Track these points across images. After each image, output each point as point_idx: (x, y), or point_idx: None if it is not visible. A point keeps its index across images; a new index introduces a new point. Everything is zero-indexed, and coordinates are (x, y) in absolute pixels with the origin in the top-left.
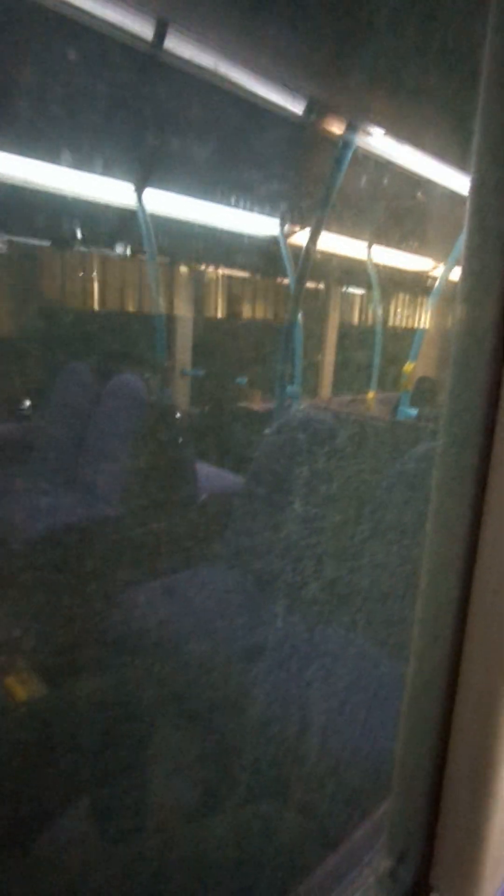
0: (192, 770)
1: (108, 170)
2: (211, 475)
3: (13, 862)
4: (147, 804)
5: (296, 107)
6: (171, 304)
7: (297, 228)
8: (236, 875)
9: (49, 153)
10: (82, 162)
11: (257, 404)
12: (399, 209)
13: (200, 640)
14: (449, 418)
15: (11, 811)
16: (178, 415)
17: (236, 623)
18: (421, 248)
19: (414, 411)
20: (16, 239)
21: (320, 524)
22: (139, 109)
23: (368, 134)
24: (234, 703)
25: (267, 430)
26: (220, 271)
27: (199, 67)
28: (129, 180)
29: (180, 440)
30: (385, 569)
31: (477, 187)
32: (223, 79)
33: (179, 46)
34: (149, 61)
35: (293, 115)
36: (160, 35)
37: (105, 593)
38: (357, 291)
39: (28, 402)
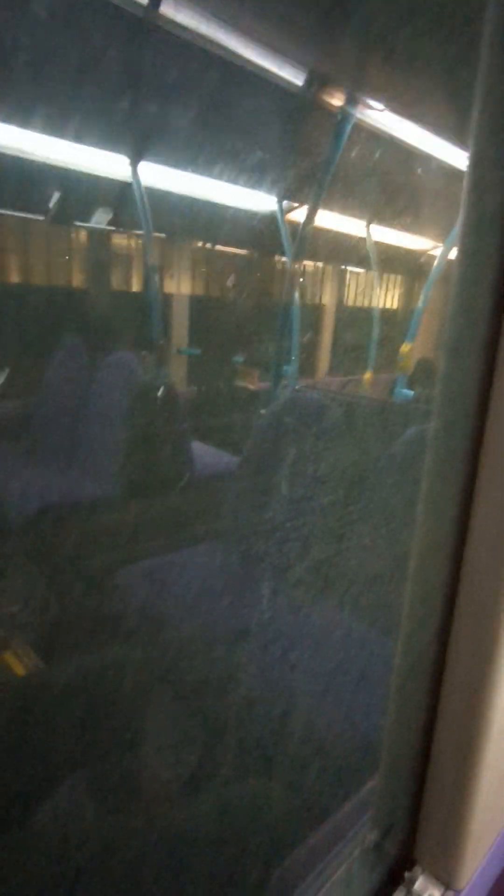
0: (182, 746)
1: (102, 141)
2: (206, 454)
3: (8, 834)
4: (138, 779)
5: (296, 78)
6: (166, 280)
7: (295, 205)
8: (224, 849)
9: (41, 123)
10: (76, 133)
11: (253, 383)
12: (399, 186)
13: (192, 618)
14: (442, 400)
15: (7, 784)
16: (174, 393)
17: (228, 602)
18: (421, 227)
19: (411, 393)
20: (6, 212)
21: (315, 504)
22: (133, 79)
23: (369, 108)
24: (225, 681)
25: (262, 410)
26: (217, 248)
27: (196, 34)
28: (124, 153)
29: (175, 419)
30: (377, 549)
31: (475, 163)
32: (221, 47)
33: (176, 12)
34: (144, 26)
35: (293, 86)
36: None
37: (99, 572)
38: (355, 270)
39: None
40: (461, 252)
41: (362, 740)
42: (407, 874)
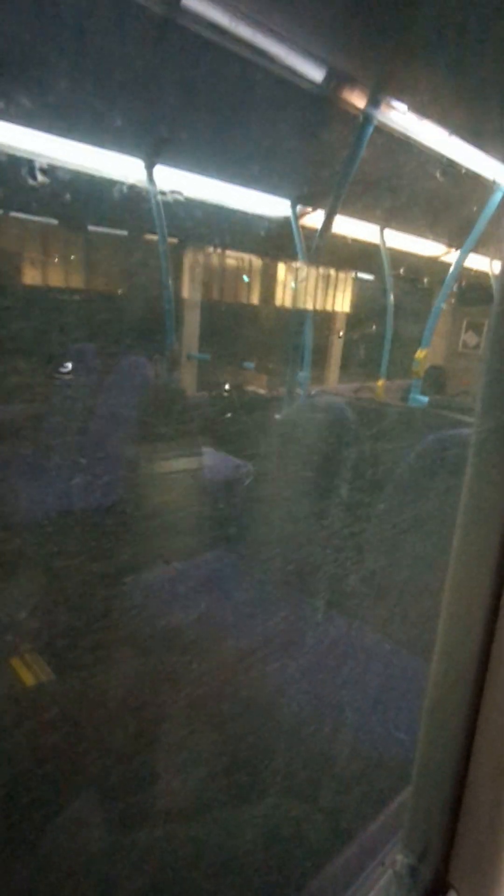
0: (204, 763)
1: (115, 144)
2: (214, 459)
3: (17, 847)
4: (161, 797)
5: (315, 75)
6: (179, 286)
7: (309, 210)
8: (247, 870)
9: (52, 123)
10: (89, 135)
11: (264, 389)
12: (414, 191)
13: (210, 629)
14: (487, 402)
15: (16, 797)
16: (185, 397)
17: (248, 612)
18: (435, 233)
19: (425, 399)
20: (21, 216)
21: (333, 512)
22: (145, 77)
23: (391, 108)
24: (247, 695)
25: (277, 416)
26: (231, 253)
27: (212, 27)
28: (138, 156)
29: (187, 423)
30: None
31: None
32: (239, 42)
33: (192, 5)
34: (154, 21)
35: (312, 84)
36: None
37: (110, 578)
38: (369, 276)
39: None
40: None
41: (393, 759)
42: None
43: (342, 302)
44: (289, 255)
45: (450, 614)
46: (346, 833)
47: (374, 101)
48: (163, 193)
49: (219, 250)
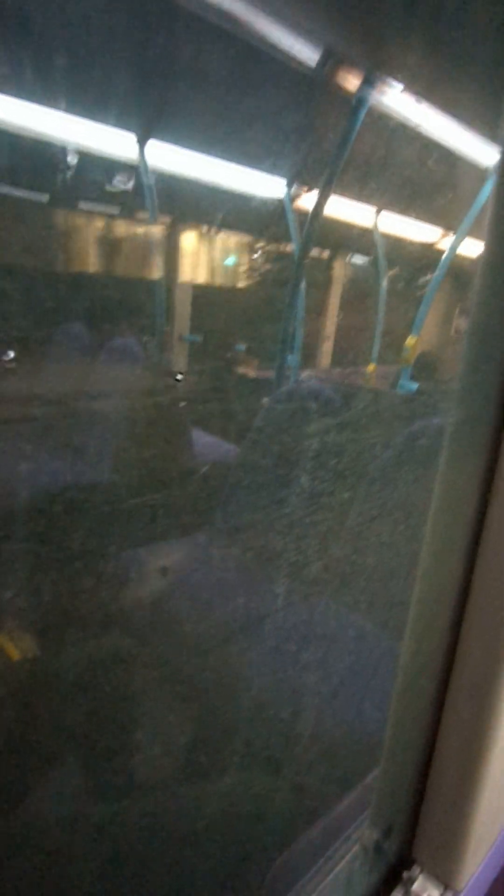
0: (178, 740)
1: (107, 117)
2: (206, 443)
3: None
4: (133, 771)
5: (310, 55)
6: (171, 266)
7: (304, 191)
8: (219, 845)
9: (44, 97)
10: (81, 109)
11: (254, 372)
12: (409, 175)
13: (190, 610)
14: (464, 391)
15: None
16: (179, 377)
17: (227, 595)
18: (431, 218)
19: (414, 385)
20: (8, 191)
21: (317, 498)
22: (138, 52)
23: (387, 89)
24: (223, 676)
25: (265, 399)
26: (222, 233)
27: (206, 4)
28: (130, 130)
29: (177, 406)
30: (382, 544)
31: None
32: (232, 20)
33: None
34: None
35: (307, 65)
36: None
37: (95, 563)
38: (362, 260)
39: (12, 354)
40: (489, 242)
41: (361, 738)
42: (405, 874)
43: (335, 286)
44: (282, 236)
45: (420, 599)
46: (315, 811)
47: (369, 82)
48: (155, 171)
49: (212, 230)
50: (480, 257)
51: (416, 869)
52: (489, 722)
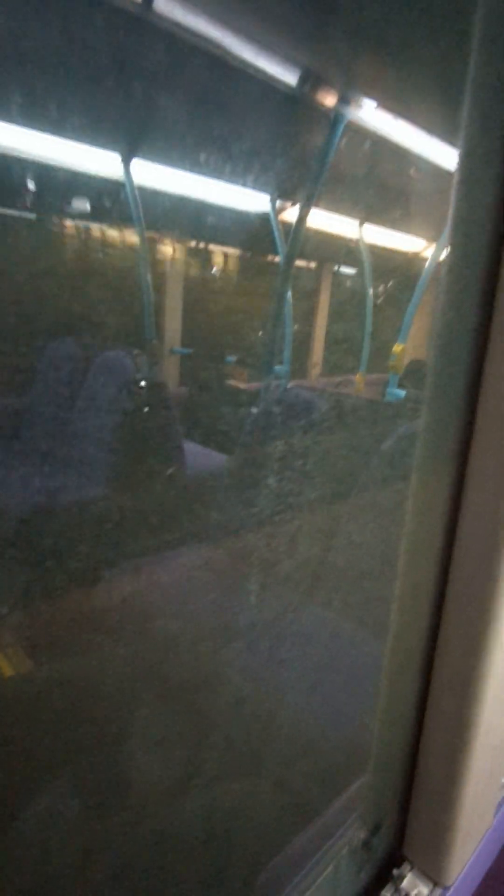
0: (169, 745)
1: (92, 138)
2: (197, 454)
3: None
4: (125, 779)
5: (290, 77)
6: (159, 280)
7: (288, 205)
8: (211, 848)
9: (31, 119)
10: (68, 129)
11: (244, 383)
12: (391, 186)
13: (181, 617)
14: (431, 397)
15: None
16: (167, 393)
17: (217, 600)
18: (412, 227)
19: (402, 393)
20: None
21: (303, 500)
22: (125, 75)
23: (361, 107)
24: (212, 680)
25: (253, 409)
26: (210, 247)
27: (188, 31)
28: (115, 150)
29: (168, 418)
30: (365, 547)
31: (465, 160)
32: (214, 44)
33: (169, 7)
34: (135, 22)
35: (286, 85)
36: None
37: (90, 572)
38: (347, 271)
39: None
40: (451, 250)
41: (350, 739)
42: (395, 871)
43: (322, 297)
44: (267, 249)
45: (400, 599)
46: (306, 813)
47: (345, 100)
48: (141, 188)
49: (199, 245)
50: (442, 265)
51: (405, 866)
52: (471, 719)
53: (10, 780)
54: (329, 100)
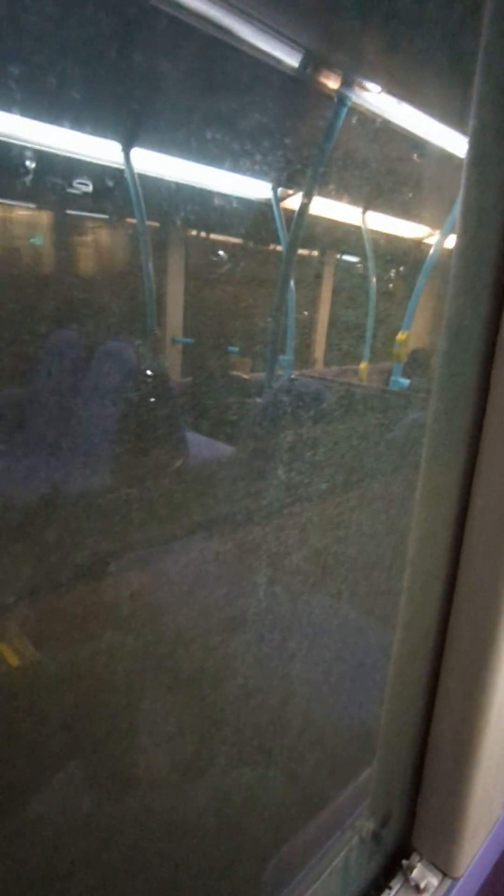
0: (179, 735)
1: (92, 125)
2: (201, 444)
3: (4, 823)
4: (134, 768)
5: (291, 59)
6: (160, 270)
7: (290, 192)
8: (221, 838)
9: (25, 105)
10: (64, 117)
11: (247, 373)
12: (395, 172)
13: (187, 607)
14: (441, 383)
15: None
16: (169, 383)
17: (224, 591)
18: (417, 214)
19: (406, 382)
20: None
21: (309, 492)
22: (121, 58)
23: (366, 90)
24: (221, 670)
25: (258, 399)
26: (211, 236)
27: (189, 11)
28: (115, 138)
29: (171, 408)
30: (374, 538)
31: (475, 145)
32: (214, 26)
33: None
34: (132, 2)
35: (289, 68)
36: None
37: (94, 561)
38: (350, 259)
39: None
40: (461, 234)
41: (358, 730)
42: (405, 862)
43: (325, 285)
44: (270, 238)
45: (409, 589)
46: (316, 801)
47: (349, 83)
48: (141, 176)
49: (201, 234)
50: (453, 251)
51: (414, 857)
52: (481, 710)
53: (18, 768)
54: (332, 83)
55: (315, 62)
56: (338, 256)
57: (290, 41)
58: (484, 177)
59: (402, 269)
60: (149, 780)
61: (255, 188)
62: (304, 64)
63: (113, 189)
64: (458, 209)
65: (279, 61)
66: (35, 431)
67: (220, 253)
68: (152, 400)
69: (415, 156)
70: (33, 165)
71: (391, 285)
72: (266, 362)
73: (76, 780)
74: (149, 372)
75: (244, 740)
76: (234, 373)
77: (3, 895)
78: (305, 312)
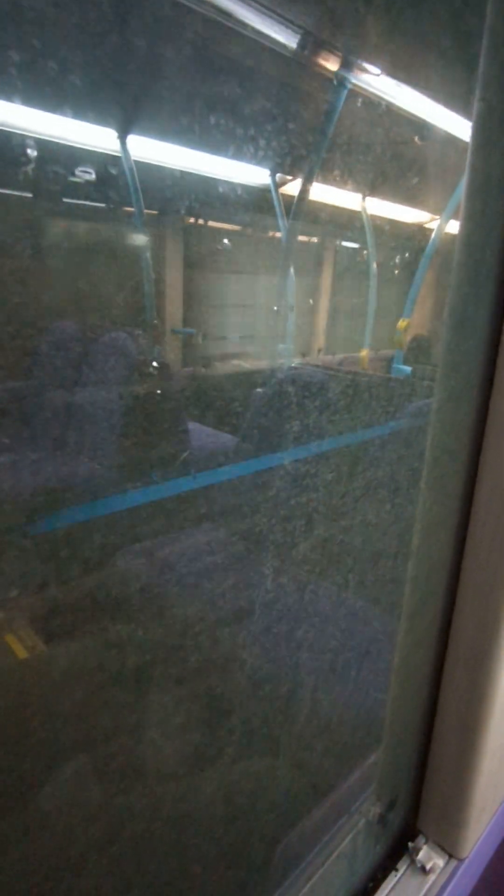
0: (186, 725)
1: (87, 112)
2: (202, 434)
3: (12, 815)
4: (142, 759)
5: (289, 40)
6: (159, 259)
7: (289, 178)
8: (230, 824)
9: (23, 94)
10: (61, 104)
11: (248, 363)
12: (395, 157)
13: (193, 598)
14: (445, 371)
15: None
16: (169, 374)
17: (230, 581)
18: (417, 199)
19: (408, 369)
20: None
21: (311, 483)
22: (118, 42)
23: (365, 72)
24: (228, 660)
25: (258, 389)
26: (210, 224)
27: None
28: (111, 125)
29: (172, 399)
30: (379, 527)
31: (479, 124)
32: (212, 6)
33: None
34: None
35: (286, 49)
36: None
37: (95, 554)
38: (351, 245)
39: None
40: (466, 220)
41: (364, 716)
42: (410, 844)
43: (325, 272)
44: (269, 225)
45: (415, 576)
46: (323, 786)
47: (348, 65)
48: (138, 163)
49: (199, 221)
50: (457, 238)
51: (420, 839)
52: (485, 694)
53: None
54: (331, 65)
55: (313, 43)
56: (338, 243)
57: (288, 21)
58: (489, 162)
59: (403, 255)
60: (155, 769)
61: (253, 174)
62: (301, 45)
63: (110, 177)
64: (461, 195)
65: (276, 42)
66: (32, 422)
67: (217, 243)
68: (151, 391)
69: (416, 139)
70: (27, 153)
71: (392, 272)
72: (267, 351)
73: (85, 770)
74: (155, 363)
75: (251, 729)
76: (235, 362)
77: (15, 884)
78: (305, 300)
